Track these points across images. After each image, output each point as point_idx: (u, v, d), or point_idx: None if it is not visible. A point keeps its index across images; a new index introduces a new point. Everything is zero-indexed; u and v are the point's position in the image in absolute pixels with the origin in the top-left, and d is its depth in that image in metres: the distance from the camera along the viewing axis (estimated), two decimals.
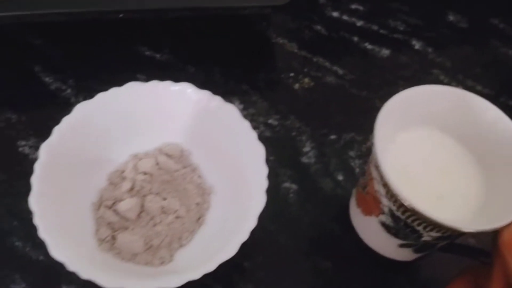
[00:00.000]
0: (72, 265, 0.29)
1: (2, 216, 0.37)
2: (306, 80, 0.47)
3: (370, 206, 0.32)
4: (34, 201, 0.30)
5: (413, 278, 0.36)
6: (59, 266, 0.34)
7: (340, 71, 0.47)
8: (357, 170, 0.41)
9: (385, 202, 0.30)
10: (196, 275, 0.29)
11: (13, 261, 0.35)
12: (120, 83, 0.37)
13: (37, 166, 0.32)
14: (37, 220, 0.30)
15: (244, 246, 0.30)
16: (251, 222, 0.31)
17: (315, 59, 0.48)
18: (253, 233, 0.31)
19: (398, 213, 0.29)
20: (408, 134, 0.32)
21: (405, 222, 0.29)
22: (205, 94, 0.36)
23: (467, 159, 0.31)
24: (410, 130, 0.32)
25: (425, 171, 0.31)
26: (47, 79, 0.44)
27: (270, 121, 0.43)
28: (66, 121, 0.34)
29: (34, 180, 0.31)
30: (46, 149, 0.33)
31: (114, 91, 0.35)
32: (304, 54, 0.48)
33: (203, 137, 0.36)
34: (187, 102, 0.36)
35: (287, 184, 0.40)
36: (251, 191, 0.33)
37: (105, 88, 0.39)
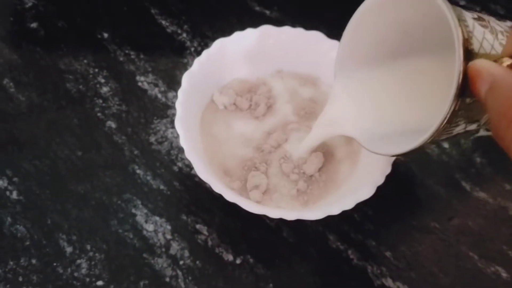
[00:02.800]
0: (217, 187, 0.30)
1: (123, 144, 0.38)
2: None
3: None
4: (179, 125, 0.31)
5: None
6: (179, 195, 0.36)
7: None
8: (462, 140, 0.42)
9: None
10: (335, 210, 0.30)
11: (135, 187, 0.36)
12: (232, 32, 0.38)
13: (180, 93, 0.33)
14: (182, 143, 0.31)
15: None
16: (386, 167, 0.31)
17: None
18: None
19: None
20: None
21: None
22: (335, 44, 0.37)
23: None
24: None
25: None
26: (163, 22, 0.45)
27: None
28: (206, 53, 0.35)
29: (178, 105, 0.32)
30: (187, 78, 0.33)
31: (250, 31, 0.36)
32: None
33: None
34: (317, 50, 0.37)
35: None
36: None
37: (218, 36, 0.40)
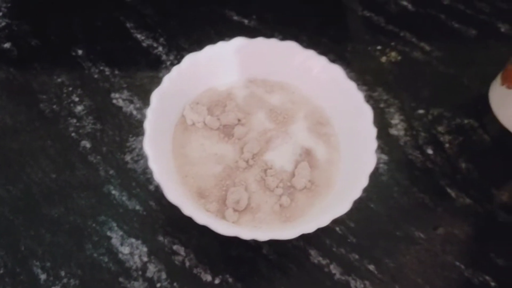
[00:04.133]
0: (187, 210, 0.29)
1: (98, 164, 0.37)
2: (393, 54, 0.46)
3: None
4: (148, 145, 0.31)
5: None
6: (155, 216, 0.35)
7: (427, 48, 0.47)
8: (447, 145, 0.41)
9: None
10: (309, 228, 0.29)
11: (110, 208, 0.35)
12: (208, 44, 0.37)
13: (149, 112, 0.32)
14: (151, 164, 0.30)
15: None
16: (363, 181, 0.30)
17: (402, 34, 0.47)
18: None
19: None
20: None
21: None
22: (310, 53, 0.36)
23: None
24: None
25: None
26: (139, 36, 0.44)
27: None
28: (176, 70, 0.34)
29: (147, 125, 0.31)
30: (157, 96, 0.33)
31: (221, 45, 0.35)
32: (391, 28, 0.48)
33: (307, 96, 0.36)
34: (291, 60, 0.36)
35: (376, 154, 0.39)
36: (359, 151, 0.32)
37: (194, 48, 0.39)
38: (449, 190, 0.38)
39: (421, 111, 0.43)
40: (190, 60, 0.35)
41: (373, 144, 0.32)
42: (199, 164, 0.33)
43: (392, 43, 0.47)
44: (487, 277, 0.35)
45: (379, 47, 0.46)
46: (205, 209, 0.32)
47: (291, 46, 0.36)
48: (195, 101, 0.35)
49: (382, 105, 0.43)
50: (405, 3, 0.50)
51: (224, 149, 0.34)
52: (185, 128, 0.35)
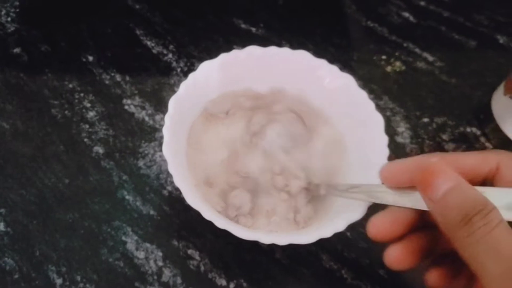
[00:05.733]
0: (207, 214, 0.29)
1: (111, 169, 0.38)
2: (398, 63, 0.47)
3: None
4: (167, 151, 0.31)
5: None
6: (169, 220, 0.35)
7: (430, 58, 0.48)
8: None
9: None
10: (327, 233, 0.30)
11: (125, 213, 0.36)
12: (218, 52, 0.37)
13: (167, 118, 0.32)
14: (171, 169, 0.31)
15: None
16: None
17: (405, 44, 0.49)
18: None
19: None
20: None
21: None
22: (322, 62, 0.37)
23: None
24: None
25: None
26: (149, 43, 0.45)
27: None
28: (192, 76, 0.34)
29: (166, 131, 0.32)
30: (173, 103, 0.33)
31: (235, 52, 0.36)
32: (395, 38, 0.49)
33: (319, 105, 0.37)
34: (304, 69, 0.37)
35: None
36: (372, 158, 0.33)
37: (204, 56, 0.39)
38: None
39: (425, 120, 0.44)
40: (205, 67, 0.35)
41: (385, 151, 0.33)
42: (209, 152, 0.34)
43: (396, 53, 0.48)
44: None
45: (383, 57, 0.47)
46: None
47: (303, 55, 0.37)
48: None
49: (388, 114, 0.44)
50: (407, 14, 0.51)
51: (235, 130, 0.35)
52: (205, 119, 0.35)
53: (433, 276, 0.27)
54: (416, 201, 0.25)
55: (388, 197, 0.26)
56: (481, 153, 0.26)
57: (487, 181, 0.25)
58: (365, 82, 0.45)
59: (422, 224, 0.28)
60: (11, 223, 0.35)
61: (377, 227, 0.26)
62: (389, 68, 0.47)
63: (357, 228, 0.37)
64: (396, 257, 0.26)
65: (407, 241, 0.26)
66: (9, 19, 0.45)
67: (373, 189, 0.28)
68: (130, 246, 0.34)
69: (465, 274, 0.26)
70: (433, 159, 0.24)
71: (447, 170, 0.22)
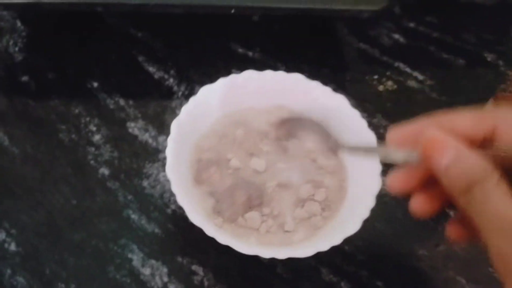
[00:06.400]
0: (209, 231, 0.31)
1: (116, 190, 0.39)
2: (389, 83, 0.49)
3: None
4: (170, 171, 0.33)
5: None
6: (173, 237, 0.37)
7: (420, 77, 0.50)
8: None
9: None
10: (324, 247, 0.31)
11: (130, 231, 0.37)
12: (217, 75, 0.39)
13: (170, 140, 0.34)
14: (174, 188, 0.32)
15: None
16: (370, 201, 0.33)
17: (396, 64, 0.51)
18: None
19: None
20: None
21: None
22: (316, 84, 0.38)
23: None
24: None
25: None
26: (150, 69, 0.47)
27: None
28: (192, 101, 0.36)
29: (169, 152, 0.34)
30: (175, 126, 0.35)
31: (233, 77, 0.38)
32: (386, 59, 0.51)
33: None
34: (299, 91, 0.39)
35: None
36: (365, 174, 0.35)
37: (204, 79, 0.41)
38: (447, 209, 0.41)
39: None
40: (205, 91, 0.37)
41: (378, 167, 0.35)
42: (218, 183, 0.35)
43: (388, 73, 0.50)
44: None
45: (376, 77, 0.49)
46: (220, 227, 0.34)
47: (297, 78, 0.39)
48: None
49: (381, 131, 0.45)
50: (397, 36, 0.53)
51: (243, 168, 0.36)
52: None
53: (452, 228, 0.28)
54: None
55: (400, 156, 0.27)
56: (478, 112, 0.26)
57: (486, 139, 0.26)
58: (359, 101, 0.47)
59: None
60: (22, 243, 0.36)
61: (395, 181, 0.27)
62: (381, 88, 0.49)
63: (354, 241, 0.38)
64: (420, 203, 0.27)
65: (427, 189, 0.27)
66: (16, 48, 0.48)
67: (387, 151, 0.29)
68: (136, 263, 0.36)
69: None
70: (431, 129, 0.24)
71: (446, 140, 0.23)
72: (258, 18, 0.52)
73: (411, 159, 0.26)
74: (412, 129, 0.27)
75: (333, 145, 0.34)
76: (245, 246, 0.31)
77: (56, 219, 0.37)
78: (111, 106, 0.44)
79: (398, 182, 0.27)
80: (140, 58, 0.48)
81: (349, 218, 0.33)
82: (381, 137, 0.45)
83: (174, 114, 0.43)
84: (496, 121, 0.26)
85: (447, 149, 0.23)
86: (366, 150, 0.32)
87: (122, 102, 0.44)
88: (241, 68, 0.47)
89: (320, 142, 0.34)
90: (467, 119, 0.26)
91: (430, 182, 0.27)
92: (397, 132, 0.28)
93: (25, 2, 0.41)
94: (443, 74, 0.51)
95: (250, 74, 0.39)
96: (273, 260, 0.36)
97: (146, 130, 0.43)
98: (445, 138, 0.24)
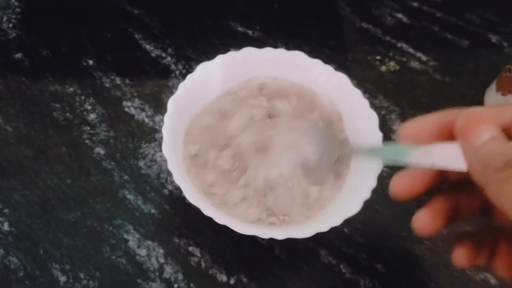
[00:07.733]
0: (207, 211, 0.30)
1: (112, 170, 0.38)
2: (392, 63, 0.48)
3: None
4: (166, 150, 0.32)
5: None
6: (170, 218, 0.36)
7: (424, 58, 0.49)
8: None
9: None
10: (324, 227, 0.30)
11: (126, 212, 0.37)
12: (215, 54, 0.38)
13: (166, 118, 0.33)
14: (171, 167, 0.31)
15: None
16: (372, 182, 0.32)
17: (399, 45, 0.50)
18: None
19: None
20: None
21: None
22: (317, 62, 0.37)
23: None
24: None
25: None
26: (147, 46, 0.46)
27: None
28: (190, 78, 0.35)
29: (165, 130, 0.33)
30: (172, 103, 0.34)
31: (231, 54, 0.37)
32: (389, 39, 0.50)
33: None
34: (299, 69, 0.38)
35: None
36: None
37: (202, 58, 0.40)
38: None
39: None
40: (203, 68, 0.36)
41: None
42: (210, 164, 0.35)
43: (390, 53, 0.49)
44: (487, 275, 0.36)
45: (378, 57, 0.48)
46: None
47: (298, 55, 0.38)
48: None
49: (383, 112, 0.44)
50: (400, 15, 0.52)
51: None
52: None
53: (459, 254, 0.27)
54: (435, 160, 0.25)
55: (408, 158, 0.26)
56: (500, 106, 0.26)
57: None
58: (360, 82, 0.46)
59: (440, 183, 0.28)
60: (15, 223, 0.35)
61: (398, 185, 0.26)
62: (383, 68, 0.48)
63: (354, 223, 0.38)
64: (424, 221, 0.26)
65: (432, 205, 0.27)
66: (10, 25, 0.46)
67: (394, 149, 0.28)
68: (132, 244, 0.35)
69: (487, 249, 0.27)
70: (474, 109, 0.24)
71: (486, 118, 0.23)
72: None
73: (421, 159, 0.25)
74: (430, 121, 0.26)
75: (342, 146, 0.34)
76: (242, 225, 0.30)
77: (50, 199, 0.37)
78: (107, 85, 0.43)
79: (400, 185, 0.27)
80: (137, 36, 0.46)
81: (349, 199, 0.32)
82: (383, 118, 0.44)
83: (171, 93, 0.42)
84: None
85: (489, 126, 0.23)
86: (371, 151, 0.31)
87: (118, 80, 0.43)
88: (240, 47, 0.46)
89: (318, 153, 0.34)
90: (492, 112, 0.25)
91: (435, 191, 0.27)
92: (412, 125, 0.27)
93: None
94: (447, 55, 0.50)
95: (249, 51, 0.37)
96: (271, 242, 0.36)
97: (143, 110, 0.42)
98: (485, 115, 0.23)
